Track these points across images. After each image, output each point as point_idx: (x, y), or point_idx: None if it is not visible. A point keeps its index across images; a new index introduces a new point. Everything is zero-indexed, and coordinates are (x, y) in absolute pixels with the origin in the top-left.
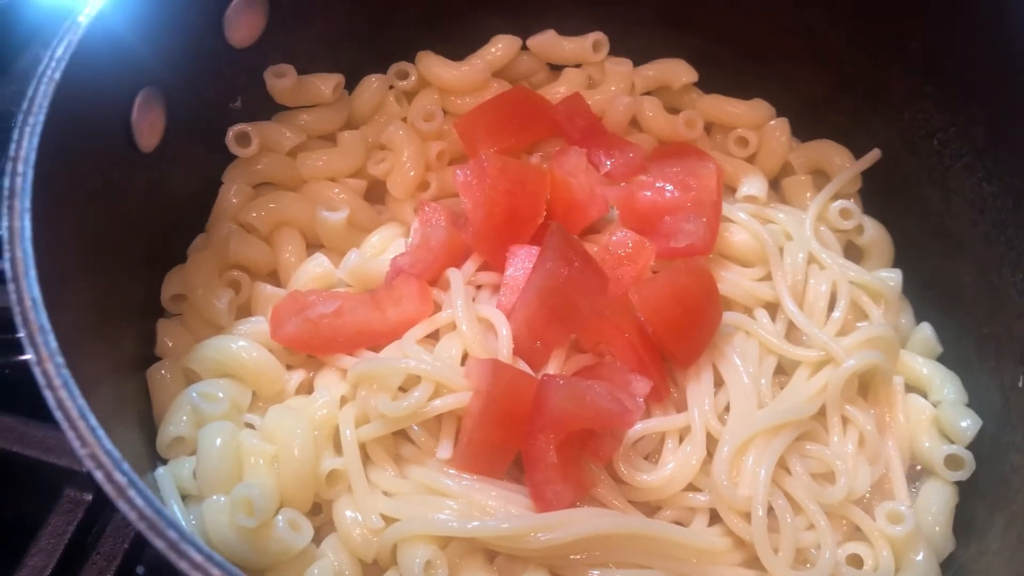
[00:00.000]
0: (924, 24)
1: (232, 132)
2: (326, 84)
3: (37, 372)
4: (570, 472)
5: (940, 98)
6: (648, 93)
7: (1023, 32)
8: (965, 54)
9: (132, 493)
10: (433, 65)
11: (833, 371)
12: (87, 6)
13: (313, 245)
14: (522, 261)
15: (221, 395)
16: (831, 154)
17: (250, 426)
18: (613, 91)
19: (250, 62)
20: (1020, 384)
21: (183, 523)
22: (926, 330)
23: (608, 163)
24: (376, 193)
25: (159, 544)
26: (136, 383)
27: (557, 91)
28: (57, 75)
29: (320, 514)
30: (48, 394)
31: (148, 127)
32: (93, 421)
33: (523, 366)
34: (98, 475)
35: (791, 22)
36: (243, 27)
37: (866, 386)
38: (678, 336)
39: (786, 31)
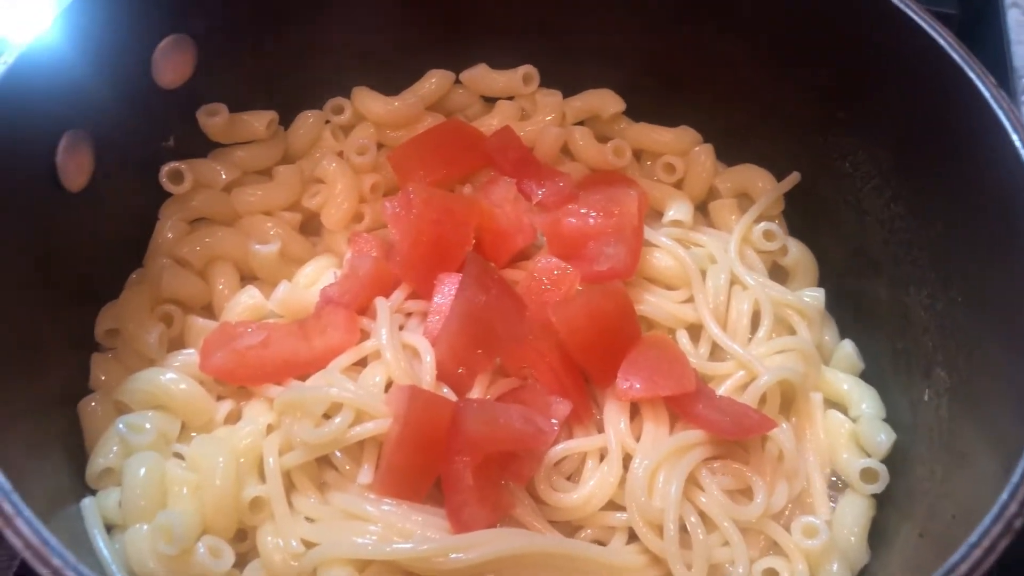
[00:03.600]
0: (832, 54)
1: (165, 170)
2: (259, 121)
3: None
4: (487, 494)
5: (849, 122)
6: (580, 123)
7: (917, 60)
8: (869, 81)
9: (19, 522)
10: (367, 100)
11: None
12: (6, 53)
13: (249, 278)
14: (449, 289)
15: (148, 426)
16: (754, 178)
17: (179, 456)
18: (544, 122)
19: (181, 101)
20: (926, 398)
21: (104, 551)
22: (848, 347)
23: (539, 192)
24: (312, 225)
25: (43, 571)
26: (67, 416)
27: (490, 123)
28: None
29: (246, 540)
30: None
31: (74, 168)
32: None
33: (448, 392)
34: None
35: (712, 53)
36: (171, 69)
37: (789, 403)
38: (595, 354)
39: (708, 62)
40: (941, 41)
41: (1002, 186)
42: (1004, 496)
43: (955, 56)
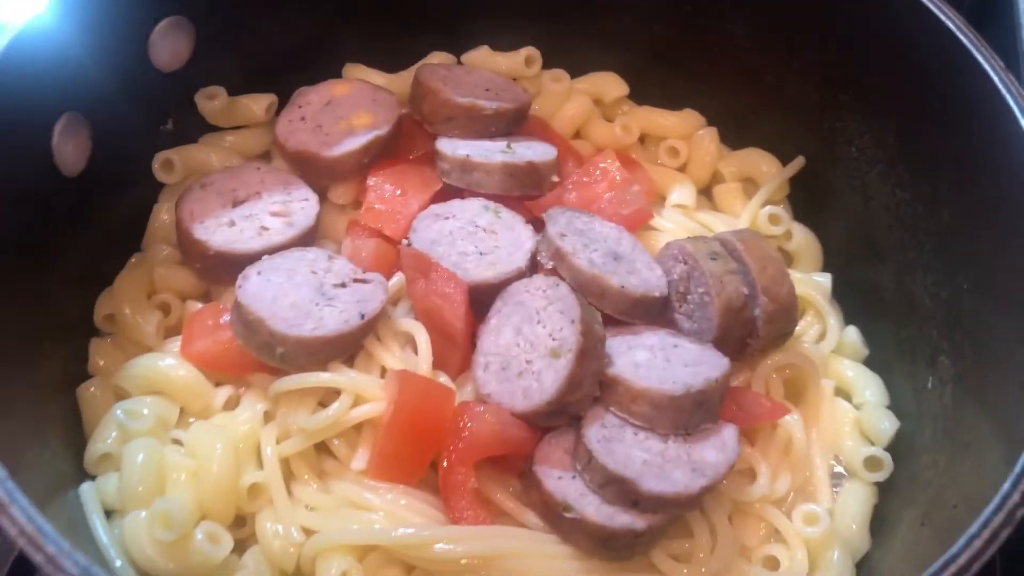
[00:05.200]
0: (836, 36)
1: (157, 161)
2: (258, 104)
3: None
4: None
5: (854, 107)
6: None
7: (925, 43)
8: (874, 64)
9: (14, 510)
10: (364, 77)
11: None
12: (0, 35)
13: None
14: None
15: (146, 412)
16: (759, 162)
17: (177, 442)
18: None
19: (180, 85)
20: (929, 385)
21: (103, 537)
22: (852, 334)
23: None
24: None
25: (37, 558)
26: (67, 402)
27: None
28: None
29: (244, 526)
30: None
31: (71, 152)
32: None
33: (445, 379)
34: None
35: (715, 36)
36: (168, 53)
37: (798, 392)
38: None
39: (711, 44)
40: (949, 24)
41: (1011, 171)
42: (1006, 486)
43: (964, 39)
